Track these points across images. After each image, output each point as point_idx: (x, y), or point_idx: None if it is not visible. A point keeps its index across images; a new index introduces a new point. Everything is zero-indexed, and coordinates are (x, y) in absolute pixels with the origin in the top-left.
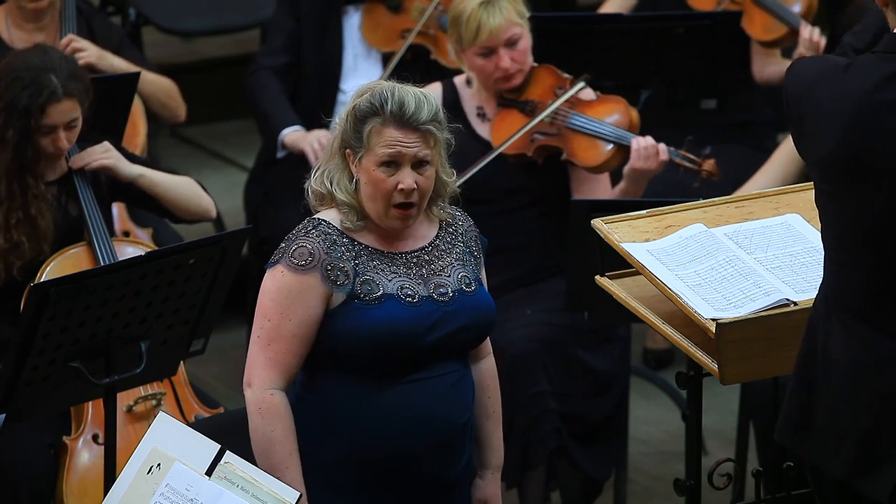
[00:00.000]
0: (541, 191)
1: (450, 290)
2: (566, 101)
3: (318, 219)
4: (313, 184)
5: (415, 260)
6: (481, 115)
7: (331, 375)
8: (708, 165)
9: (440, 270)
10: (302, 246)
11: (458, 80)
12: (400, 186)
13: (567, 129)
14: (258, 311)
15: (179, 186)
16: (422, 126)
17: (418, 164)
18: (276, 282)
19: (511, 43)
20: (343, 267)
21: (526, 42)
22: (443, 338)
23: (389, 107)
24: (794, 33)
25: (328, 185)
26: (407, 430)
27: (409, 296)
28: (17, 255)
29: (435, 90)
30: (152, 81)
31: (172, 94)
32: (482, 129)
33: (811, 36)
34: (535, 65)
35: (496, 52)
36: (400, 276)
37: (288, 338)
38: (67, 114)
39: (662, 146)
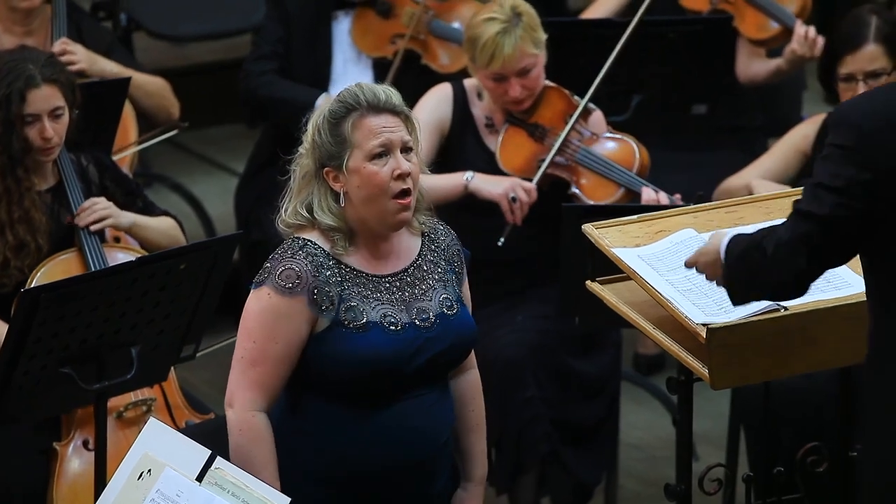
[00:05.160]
0: (541, 211)
1: (431, 314)
2: (577, 131)
3: (304, 239)
4: (287, 218)
5: (398, 283)
6: (489, 126)
7: (312, 397)
8: None
9: (422, 294)
10: (289, 268)
11: (469, 85)
12: (397, 172)
13: (576, 164)
14: (242, 331)
15: (162, 236)
16: (398, 108)
17: (405, 151)
18: (261, 303)
19: (524, 72)
20: (329, 291)
21: (539, 69)
22: (423, 364)
23: (363, 98)
24: (787, 32)
25: (305, 213)
26: (387, 451)
27: (393, 324)
28: (25, 255)
29: (445, 89)
30: (144, 83)
31: (165, 94)
32: (490, 140)
33: (806, 33)
34: (548, 82)
35: (508, 79)
36: (383, 303)
37: (273, 360)
38: (49, 100)
39: (676, 199)
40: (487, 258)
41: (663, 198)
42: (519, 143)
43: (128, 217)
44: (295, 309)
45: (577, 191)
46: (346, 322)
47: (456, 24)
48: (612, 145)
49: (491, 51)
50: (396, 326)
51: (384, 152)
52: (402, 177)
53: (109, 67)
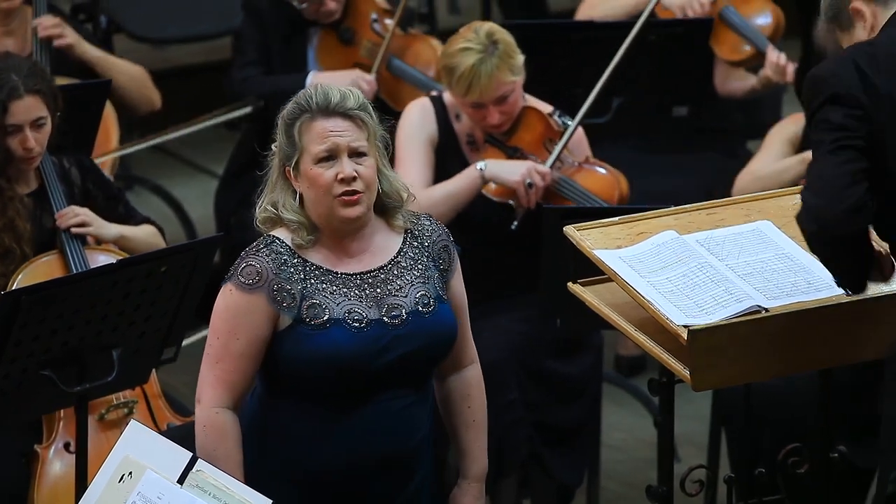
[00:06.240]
0: (519, 232)
1: (404, 311)
2: (558, 159)
3: (272, 236)
4: (258, 213)
5: (370, 280)
6: (471, 143)
7: (281, 395)
8: None
9: (397, 291)
10: (251, 264)
11: (448, 101)
12: (340, 176)
13: (555, 192)
14: (210, 327)
15: (146, 247)
16: (350, 112)
17: (356, 156)
18: (225, 300)
19: (501, 99)
20: (290, 289)
21: (517, 93)
22: (392, 362)
23: (315, 100)
24: (760, 55)
25: (273, 210)
26: (356, 452)
27: (357, 320)
28: (10, 262)
29: (424, 103)
30: (128, 69)
31: (147, 83)
32: (472, 158)
33: (778, 60)
34: (527, 97)
35: (486, 107)
36: (350, 299)
37: (235, 357)
38: (32, 111)
39: None
40: (469, 263)
41: None
42: None
43: (113, 230)
44: (255, 305)
45: None
46: (307, 319)
47: (417, 66)
48: (593, 177)
49: (468, 81)
50: (361, 323)
51: (330, 156)
52: (345, 181)
53: (92, 51)
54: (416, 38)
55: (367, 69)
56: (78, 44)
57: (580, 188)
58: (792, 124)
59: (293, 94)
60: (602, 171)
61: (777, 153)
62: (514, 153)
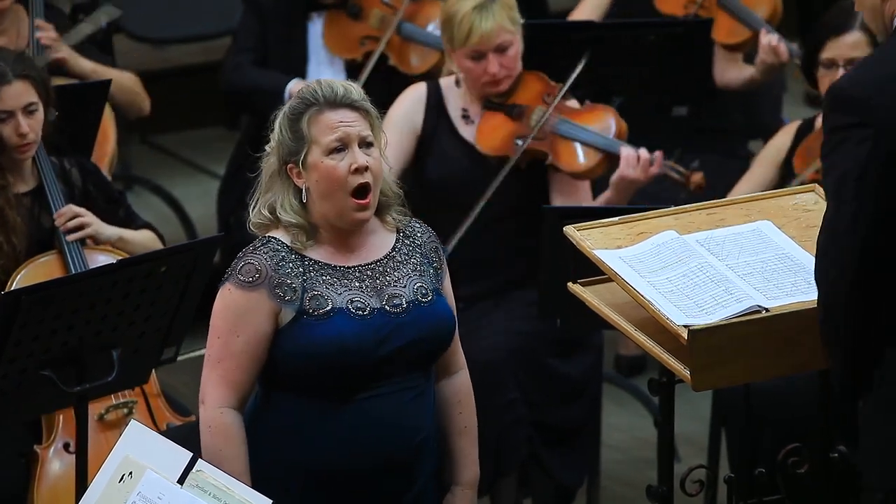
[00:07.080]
0: (519, 203)
1: (404, 300)
2: (555, 106)
3: (269, 236)
4: (252, 217)
5: (368, 272)
6: (465, 118)
7: (284, 393)
8: (696, 178)
9: (395, 281)
10: (249, 263)
11: (444, 82)
12: (354, 166)
13: (554, 135)
14: (210, 328)
15: (143, 249)
16: (356, 103)
17: (365, 146)
18: (224, 300)
19: (501, 49)
20: (291, 283)
21: (516, 48)
22: (395, 351)
23: (321, 93)
24: (757, 37)
25: (268, 213)
26: (358, 450)
27: (360, 309)
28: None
29: (419, 90)
30: (118, 78)
31: (137, 89)
32: (466, 132)
33: (770, 42)
34: (524, 70)
35: (486, 56)
36: (351, 290)
37: (237, 355)
38: (22, 97)
39: (657, 155)
40: (466, 258)
41: (644, 153)
42: (496, 124)
43: (112, 231)
44: (255, 302)
45: (553, 162)
46: (310, 311)
47: (428, 27)
48: (588, 114)
49: (468, 26)
50: (364, 311)
51: (341, 147)
52: (359, 171)
53: (86, 64)
54: (425, 1)
55: (377, 41)
56: (71, 57)
57: (578, 125)
58: (782, 138)
59: (273, 92)
60: (596, 106)
61: (761, 176)
62: (513, 110)
